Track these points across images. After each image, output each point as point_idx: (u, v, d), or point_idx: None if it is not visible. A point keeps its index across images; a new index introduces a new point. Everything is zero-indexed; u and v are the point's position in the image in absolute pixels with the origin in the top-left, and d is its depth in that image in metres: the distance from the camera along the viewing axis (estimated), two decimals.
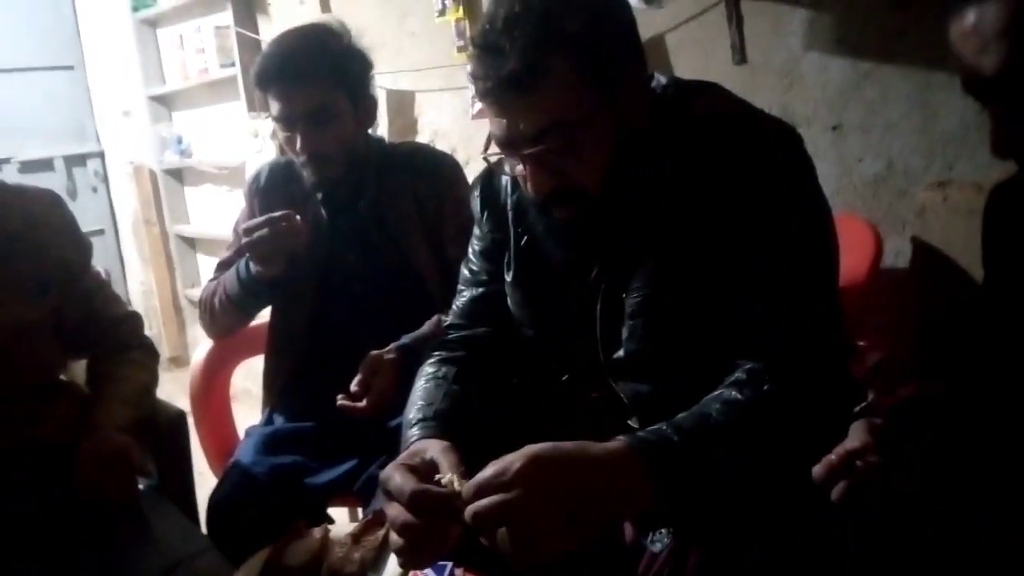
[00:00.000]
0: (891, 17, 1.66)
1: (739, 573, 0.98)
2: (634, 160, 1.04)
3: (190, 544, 1.31)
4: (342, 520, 1.86)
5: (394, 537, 0.97)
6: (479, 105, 2.43)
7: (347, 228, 1.69)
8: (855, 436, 0.98)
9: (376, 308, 1.67)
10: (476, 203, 1.26)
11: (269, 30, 3.24)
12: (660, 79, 1.10)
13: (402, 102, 2.79)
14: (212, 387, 1.89)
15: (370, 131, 1.73)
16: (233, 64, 3.35)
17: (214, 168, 3.77)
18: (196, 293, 4.04)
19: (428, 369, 1.22)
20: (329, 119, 1.56)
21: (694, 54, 1.99)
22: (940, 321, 1.36)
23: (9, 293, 1.37)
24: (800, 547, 0.96)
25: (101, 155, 4.29)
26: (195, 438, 1.78)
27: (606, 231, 1.09)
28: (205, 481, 1.74)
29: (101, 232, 4.27)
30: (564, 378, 1.21)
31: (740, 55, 1.91)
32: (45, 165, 4.12)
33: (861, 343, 1.31)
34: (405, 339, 1.53)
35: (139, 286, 4.34)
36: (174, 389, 2.68)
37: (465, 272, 1.29)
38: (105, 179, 4.29)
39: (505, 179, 1.21)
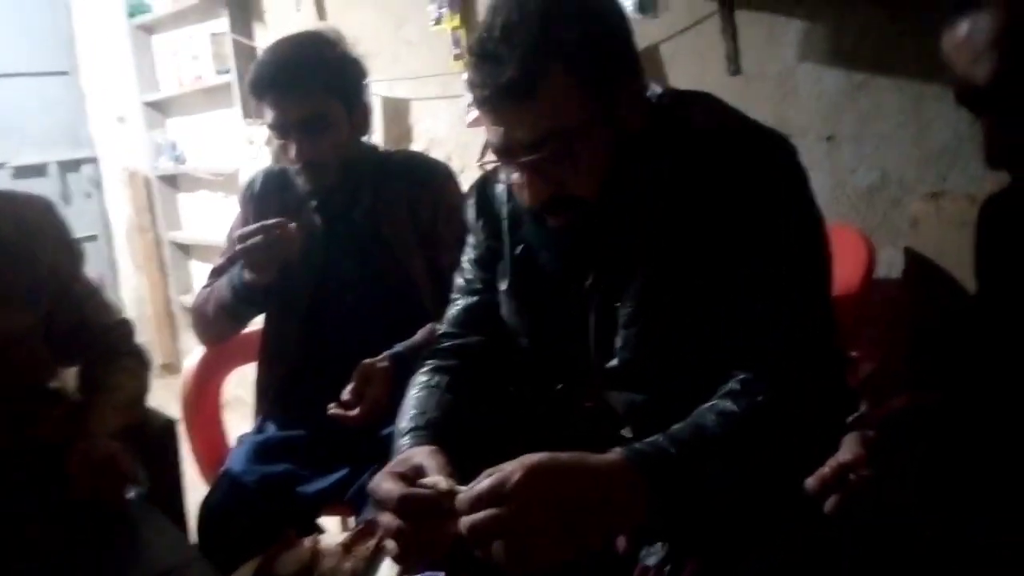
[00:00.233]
0: (885, 29, 1.67)
1: None
2: (630, 170, 1.04)
3: (179, 554, 1.30)
4: (333, 530, 1.85)
5: (390, 544, 0.97)
6: (474, 113, 2.44)
7: (341, 236, 1.68)
8: (848, 448, 0.97)
9: (369, 316, 1.66)
10: (471, 212, 1.26)
11: (265, 37, 3.24)
12: (655, 89, 1.10)
13: (398, 110, 2.79)
14: (204, 394, 1.89)
15: (365, 138, 1.73)
16: (228, 71, 3.35)
17: (209, 175, 3.77)
18: (189, 300, 4.04)
19: (421, 378, 1.22)
20: (324, 127, 1.56)
21: (689, 64, 1.99)
22: (933, 332, 1.36)
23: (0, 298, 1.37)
24: (795, 558, 0.96)
25: (95, 161, 4.29)
26: (186, 445, 1.78)
27: (601, 240, 1.09)
28: (196, 488, 1.73)
29: (94, 238, 4.26)
30: (558, 387, 1.21)
31: (735, 65, 1.92)
32: (39, 170, 4.12)
33: (854, 353, 1.31)
34: (398, 347, 1.53)
35: (132, 292, 4.33)
36: (166, 396, 2.66)
37: (459, 281, 1.29)
38: (99, 185, 4.29)
39: (500, 188, 1.21)
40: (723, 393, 0.97)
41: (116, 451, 1.34)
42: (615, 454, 0.88)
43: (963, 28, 0.90)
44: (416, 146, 2.75)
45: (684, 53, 2.00)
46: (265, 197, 1.74)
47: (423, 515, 0.93)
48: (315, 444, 1.62)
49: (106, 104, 4.29)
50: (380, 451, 1.34)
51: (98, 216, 4.32)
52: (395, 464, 1.03)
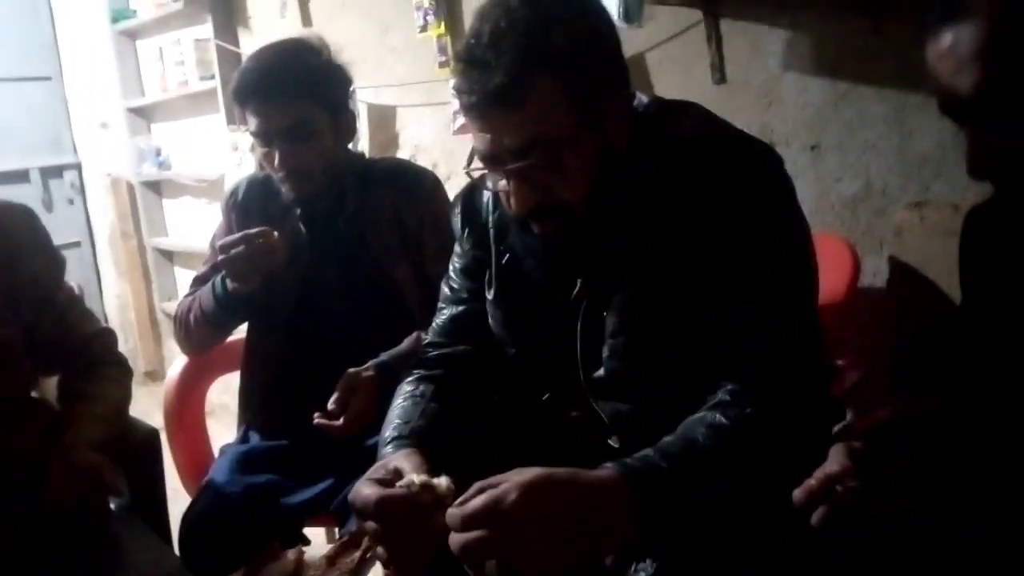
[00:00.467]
0: (868, 39, 1.68)
1: None
2: (616, 178, 1.04)
3: (161, 565, 1.29)
4: (318, 541, 1.84)
5: (379, 550, 0.98)
6: (460, 120, 2.44)
7: (326, 244, 1.67)
8: (835, 460, 0.97)
9: (355, 325, 1.65)
10: (457, 221, 1.26)
11: (250, 43, 3.23)
12: (642, 98, 1.10)
13: (383, 117, 2.78)
14: (187, 403, 1.87)
15: (350, 146, 1.72)
16: (213, 77, 3.33)
17: (193, 181, 3.75)
18: (173, 307, 3.99)
19: (406, 387, 1.21)
20: (307, 135, 1.55)
21: (674, 73, 2.00)
22: (918, 341, 1.37)
23: None
24: (782, 569, 0.96)
25: (78, 167, 4.25)
26: (168, 455, 1.76)
27: (587, 248, 1.09)
28: (179, 498, 1.71)
29: (77, 244, 4.22)
30: (544, 397, 1.20)
31: (719, 75, 1.92)
32: (21, 176, 4.08)
33: (839, 362, 1.31)
34: (384, 356, 1.52)
35: (115, 299, 4.29)
36: (149, 404, 2.64)
37: (445, 290, 1.28)
38: (82, 191, 4.25)
39: (486, 196, 1.21)
40: (712, 404, 0.97)
41: (97, 462, 1.32)
42: (608, 471, 0.88)
43: (947, 38, 0.91)
44: (402, 153, 2.74)
45: (669, 62, 2.01)
46: (248, 205, 1.73)
47: (404, 515, 0.94)
48: (299, 454, 1.61)
49: (89, 110, 4.26)
50: (365, 461, 1.33)
51: (81, 222, 4.28)
52: (373, 471, 1.04)
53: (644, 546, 1.03)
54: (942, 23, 0.91)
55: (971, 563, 0.88)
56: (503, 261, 1.17)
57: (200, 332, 1.72)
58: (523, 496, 0.81)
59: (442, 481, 0.98)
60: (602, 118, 1.01)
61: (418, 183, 1.71)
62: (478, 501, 0.83)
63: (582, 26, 1.00)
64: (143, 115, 4.06)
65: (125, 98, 4.00)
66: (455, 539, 0.83)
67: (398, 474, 1.00)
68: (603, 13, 1.05)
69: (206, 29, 3.33)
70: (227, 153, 3.43)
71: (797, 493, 0.95)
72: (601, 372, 1.09)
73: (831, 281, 1.49)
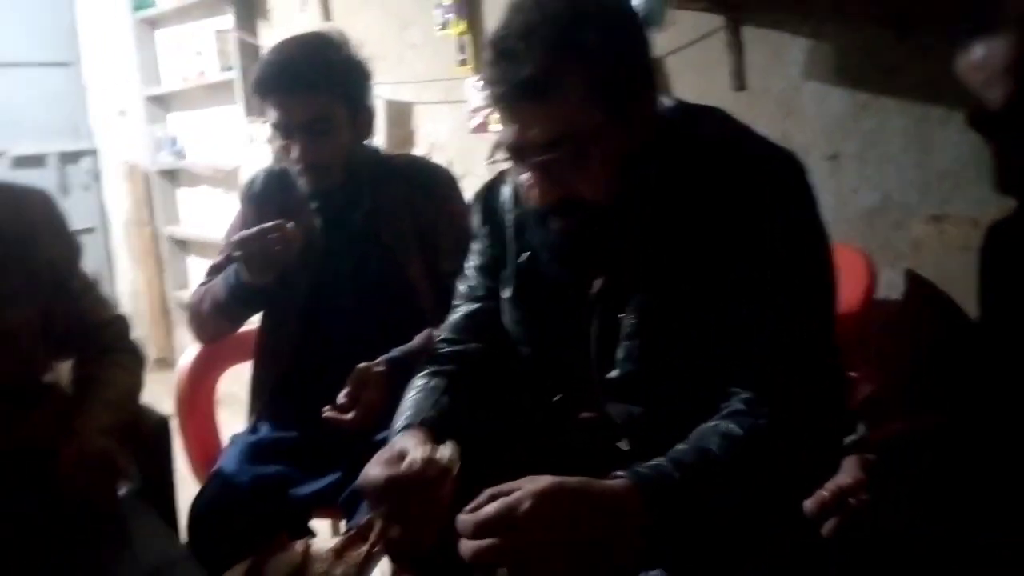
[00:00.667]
0: (890, 51, 1.68)
1: None
2: (638, 178, 1.04)
3: (169, 553, 1.29)
4: (323, 534, 1.84)
5: (393, 532, 1.01)
6: (478, 119, 2.45)
7: (341, 238, 1.68)
8: (847, 472, 0.97)
9: (367, 319, 1.66)
10: (476, 218, 1.26)
11: (270, 35, 3.24)
12: (665, 101, 1.10)
13: (400, 113, 2.78)
14: (198, 392, 1.88)
15: (367, 141, 1.72)
16: (231, 68, 3.35)
17: (208, 170, 3.76)
18: (185, 295, 4.03)
19: (418, 381, 1.22)
20: (326, 129, 1.55)
21: (694, 78, 2.00)
22: (933, 356, 1.36)
23: None
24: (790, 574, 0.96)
25: (95, 153, 4.27)
26: (178, 442, 1.77)
27: (606, 248, 1.09)
28: (187, 486, 1.72)
29: (91, 231, 4.24)
30: (556, 398, 1.20)
31: (739, 81, 1.92)
32: (38, 161, 4.10)
33: (853, 374, 1.31)
34: (395, 352, 1.52)
35: (128, 286, 4.31)
36: (159, 391, 2.64)
37: (461, 287, 1.28)
38: (98, 178, 4.27)
39: (505, 194, 1.21)
40: (726, 413, 0.96)
41: (108, 448, 1.33)
42: (620, 480, 0.88)
43: (978, 51, 0.90)
44: (418, 150, 2.75)
45: (689, 67, 2.00)
46: (265, 197, 1.73)
47: (411, 492, 0.97)
48: (308, 446, 1.61)
49: (107, 97, 4.28)
50: (373, 455, 1.33)
51: (96, 209, 4.30)
52: (380, 454, 1.06)
53: (653, 554, 1.03)
54: (974, 36, 0.91)
55: (972, 564, 0.88)
56: (521, 259, 1.17)
57: (213, 321, 1.73)
58: (536, 505, 0.82)
59: (444, 452, 1.01)
60: (628, 118, 1.01)
61: (434, 180, 1.71)
62: (491, 508, 0.83)
63: (615, 25, 1.00)
64: (161, 104, 4.08)
65: (144, 86, 4.02)
66: (466, 545, 0.84)
67: (404, 455, 1.02)
68: (635, 16, 1.05)
69: (226, 20, 3.34)
70: (244, 144, 3.44)
71: (809, 504, 0.95)
72: (615, 373, 1.09)
73: (846, 292, 1.48)
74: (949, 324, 1.46)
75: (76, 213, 3.88)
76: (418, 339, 1.55)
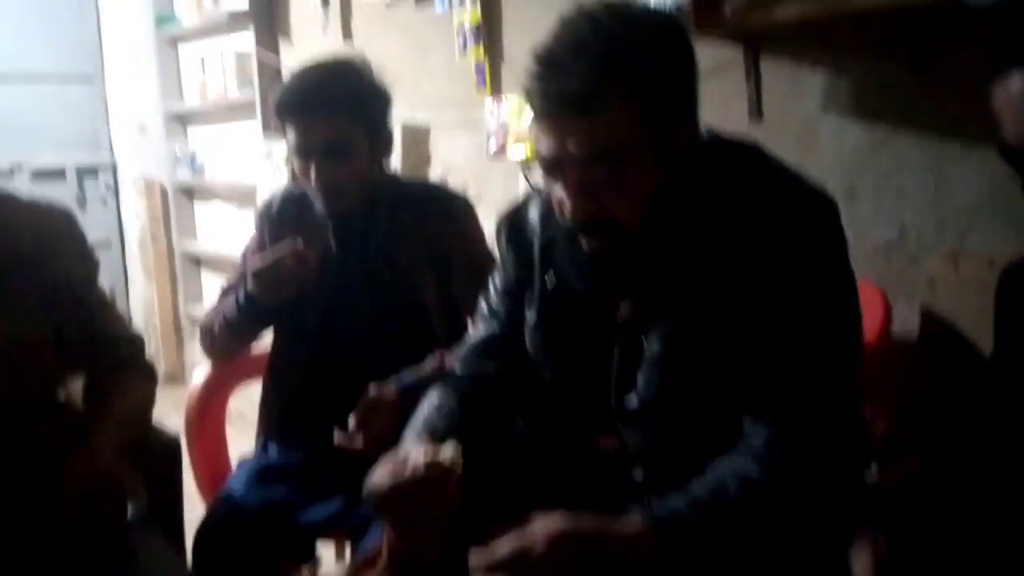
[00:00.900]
0: (909, 87, 1.67)
1: None
2: (671, 204, 1.04)
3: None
4: (327, 558, 1.84)
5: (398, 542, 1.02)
6: (495, 144, 2.45)
7: (356, 260, 1.68)
8: (859, 563, 0.97)
9: (379, 342, 1.66)
10: (502, 240, 1.25)
11: (291, 56, 3.27)
12: (701, 129, 1.10)
13: (417, 135, 2.80)
14: (208, 412, 1.88)
15: (385, 166, 1.73)
16: (252, 87, 3.37)
17: (226, 188, 3.78)
18: (198, 311, 4.05)
19: (432, 398, 1.22)
20: (345, 153, 1.56)
21: (711, 107, 1.96)
22: (947, 395, 1.35)
23: (12, 307, 1.36)
24: None
25: (113, 167, 4.30)
26: (186, 459, 1.76)
27: (634, 271, 1.08)
28: (194, 505, 1.71)
29: (107, 245, 4.27)
30: (573, 423, 1.20)
31: (757, 112, 1.92)
32: (57, 174, 4.13)
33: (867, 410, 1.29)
34: (406, 376, 1.52)
35: (141, 301, 4.33)
36: (168, 407, 2.65)
37: (483, 308, 1.28)
38: (116, 192, 4.30)
39: (533, 218, 1.20)
40: (745, 451, 0.96)
41: (116, 469, 1.33)
42: (635, 522, 0.88)
43: (1016, 84, 0.90)
44: (433, 173, 2.76)
45: (707, 96, 1.96)
46: (283, 218, 1.75)
47: (416, 496, 0.98)
48: (317, 471, 1.60)
49: (128, 112, 4.32)
50: None
51: (113, 222, 4.33)
52: (385, 461, 1.07)
53: None
54: (1013, 68, 0.91)
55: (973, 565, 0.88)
56: (548, 285, 1.17)
57: (224, 339, 1.74)
58: (550, 547, 0.82)
59: (447, 452, 1.02)
60: (669, 141, 1.00)
61: (450, 206, 1.72)
62: (504, 549, 0.83)
63: (666, 50, 1.00)
64: (181, 120, 4.12)
65: (164, 102, 4.06)
66: None
67: (407, 462, 1.04)
68: (687, 44, 1.04)
69: (248, 39, 3.37)
70: (261, 162, 3.47)
71: None
72: (634, 400, 1.08)
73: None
74: (964, 364, 1.45)
75: (93, 226, 3.94)
76: (429, 363, 1.55)
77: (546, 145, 1.00)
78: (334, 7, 3.01)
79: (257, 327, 1.74)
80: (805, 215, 1.01)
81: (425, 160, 2.79)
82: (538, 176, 1.07)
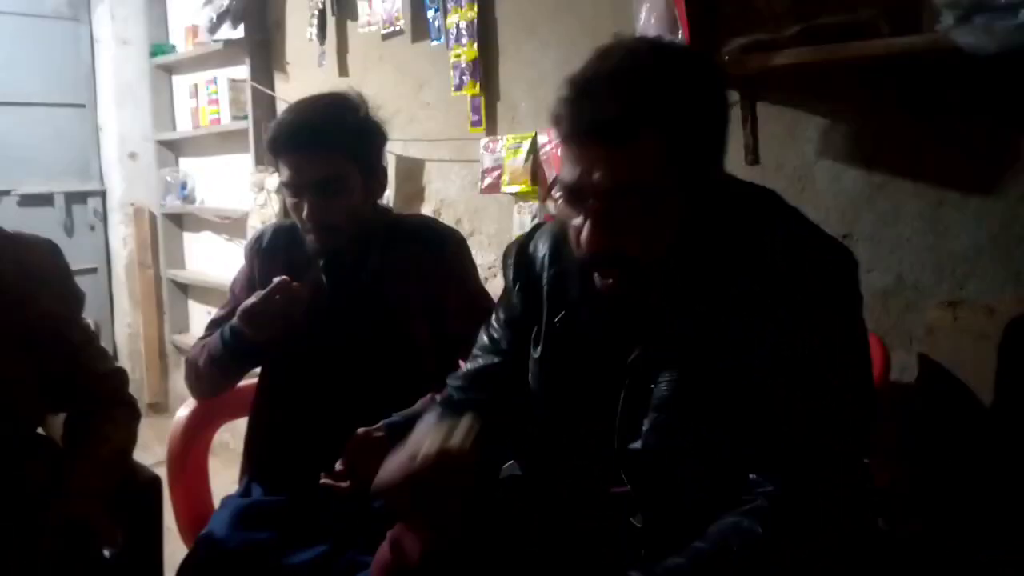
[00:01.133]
0: (906, 133, 1.67)
1: None
2: (690, 246, 1.02)
3: None
4: None
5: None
6: (489, 179, 2.45)
7: (347, 297, 1.66)
8: None
9: (369, 380, 1.63)
10: (510, 272, 1.24)
11: (285, 88, 3.27)
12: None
13: (411, 169, 2.79)
14: (191, 449, 1.83)
15: (378, 201, 1.71)
16: (245, 117, 3.37)
17: (216, 216, 3.76)
18: (183, 340, 4.01)
19: (428, 419, 1.19)
20: (338, 190, 1.54)
21: None
22: (945, 445, 1.33)
23: None
24: None
25: (103, 194, 4.27)
26: (167, 495, 1.72)
27: (647, 313, 1.06)
28: (174, 539, 1.67)
29: (94, 271, 4.22)
30: (570, 465, 1.17)
31: (753, 156, 1.91)
32: (45, 200, 4.10)
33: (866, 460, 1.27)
34: (395, 417, 1.49)
35: (126, 328, 4.28)
36: (151, 437, 2.61)
37: (484, 338, 1.26)
38: (104, 218, 4.27)
39: (542, 251, 1.19)
40: (748, 509, 0.93)
41: (94, 512, 1.29)
42: None
43: None
44: (426, 207, 2.74)
45: None
46: (273, 252, 1.72)
47: (429, 485, 1.00)
48: (302, 512, 1.56)
49: (119, 139, 4.30)
50: (369, 524, 1.29)
51: (100, 249, 4.29)
52: (395, 454, 1.08)
53: None
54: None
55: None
56: (556, 320, 1.14)
57: (209, 376, 1.70)
58: None
59: (456, 439, 1.03)
60: (694, 182, 0.98)
61: (443, 243, 1.70)
62: None
63: (701, 89, 0.98)
64: (172, 148, 4.11)
65: (156, 130, 4.05)
66: None
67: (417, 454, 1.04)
68: (723, 89, 1.03)
69: (242, 70, 3.37)
70: (252, 193, 3.45)
71: None
72: (637, 446, 1.06)
73: None
74: (963, 413, 1.43)
75: (80, 253, 3.92)
76: (420, 403, 1.53)
77: (570, 172, 0.98)
78: (330, 39, 3.01)
79: (243, 365, 1.71)
80: (824, 271, 1.00)
81: (419, 194, 2.78)
82: (555, 204, 1.06)
